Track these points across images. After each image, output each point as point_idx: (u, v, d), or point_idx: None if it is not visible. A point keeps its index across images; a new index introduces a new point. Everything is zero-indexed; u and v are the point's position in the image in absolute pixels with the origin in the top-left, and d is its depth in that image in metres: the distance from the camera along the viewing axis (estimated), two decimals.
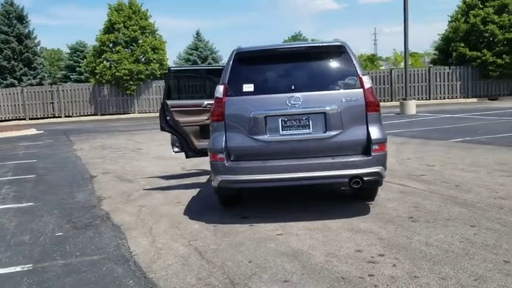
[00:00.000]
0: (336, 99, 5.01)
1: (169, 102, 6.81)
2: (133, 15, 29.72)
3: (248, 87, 5.09)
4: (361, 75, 5.07)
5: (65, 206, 6.46)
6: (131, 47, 29.71)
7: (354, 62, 5.16)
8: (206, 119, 6.87)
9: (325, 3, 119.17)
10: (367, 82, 5.05)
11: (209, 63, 36.21)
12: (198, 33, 38.25)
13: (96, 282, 3.80)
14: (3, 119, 28.26)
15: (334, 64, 5.30)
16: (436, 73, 29.65)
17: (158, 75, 29.90)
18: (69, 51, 38.77)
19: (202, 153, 7.02)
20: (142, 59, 29.85)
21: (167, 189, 7.23)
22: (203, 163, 9.15)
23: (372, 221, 4.98)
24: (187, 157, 7.33)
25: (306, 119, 4.99)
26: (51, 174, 9.18)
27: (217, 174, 5.09)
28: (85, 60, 32.77)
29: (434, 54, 34.87)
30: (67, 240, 4.95)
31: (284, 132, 5.01)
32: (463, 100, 28.90)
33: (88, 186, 7.89)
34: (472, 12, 28.84)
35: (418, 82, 29.45)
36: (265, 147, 5.04)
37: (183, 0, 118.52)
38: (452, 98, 29.38)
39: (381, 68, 48.52)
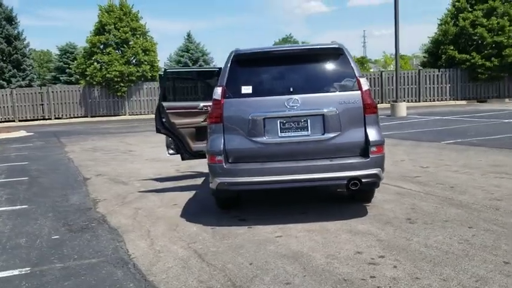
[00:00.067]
0: (334, 101, 5.02)
1: (165, 104, 6.78)
2: (124, 17, 29.62)
3: (246, 89, 5.09)
4: (358, 78, 5.10)
5: (59, 209, 6.40)
6: (122, 49, 29.60)
7: (352, 64, 5.18)
8: (202, 121, 6.86)
9: (314, 6, 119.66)
10: (364, 84, 5.07)
11: (200, 65, 36.17)
12: (189, 35, 38.21)
13: (97, 285, 3.76)
14: None
15: (332, 66, 5.31)
16: (426, 75, 29.95)
17: (149, 77, 29.80)
18: (59, 53, 38.51)
19: (198, 155, 7.01)
20: (133, 61, 29.74)
21: (162, 192, 7.19)
22: (198, 165, 9.14)
23: (370, 223, 5.00)
24: (183, 159, 7.30)
25: (304, 121, 5.00)
26: (44, 177, 9.09)
27: (216, 176, 5.08)
28: (75, 61, 32.58)
29: (424, 57, 35.19)
30: (64, 243, 4.90)
31: (283, 134, 5.01)
32: (452, 102, 29.20)
33: (82, 188, 7.82)
34: (461, 15, 29.19)
35: (408, 84, 29.71)
36: (263, 149, 5.04)
37: (173, 2, 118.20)
38: (441, 100, 29.67)
39: (371, 70, 48.84)
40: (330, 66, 5.32)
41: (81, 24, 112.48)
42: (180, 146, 6.95)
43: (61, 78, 37.15)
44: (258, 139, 5.01)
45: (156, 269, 4.04)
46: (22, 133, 20.35)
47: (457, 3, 30.09)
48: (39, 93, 28.98)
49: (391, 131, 14.04)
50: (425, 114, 20.38)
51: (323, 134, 4.99)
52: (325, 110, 4.98)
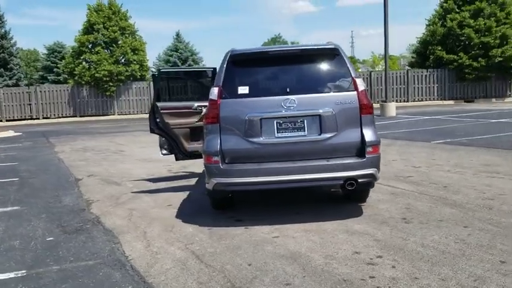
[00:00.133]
0: (330, 101, 5.04)
1: (159, 104, 6.75)
2: (113, 16, 29.42)
3: (243, 90, 5.09)
4: (355, 78, 5.12)
5: (52, 210, 6.34)
6: (111, 48, 29.40)
7: (348, 65, 5.20)
8: (196, 121, 6.85)
9: (302, 6, 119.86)
10: (360, 84, 5.10)
11: (189, 65, 36.08)
12: (178, 35, 38.07)
13: None
14: None
15: (328, 67, 5.33)
16: (414, 76, 30.18)
17: (138, 77, 29.64)
18: (47, 52, 38.09)
19: (192, 155, 6.99)
20: (122, 60, 29.54)
21: (156, 192, 7.15)
22: (190, 165, 9.12)
23: (366, 223, 5.03)
24: (177, 159, 7.28)
25: (301, 121, 5.01)
26: (35, 177, 8.99)
27: (212, 176, 5.07)
28: (63, 61, 32.26)
29: (412, 57, 35.46)
30: (59, 245, 4.85)
31: (279, 135, 5.02)
32: (440, 102, 29.47)
33: (74, 189, 7.75)
34: (449, 16, 29.47)
35: (396, 84, 29.91)
36: (260, 149, 5.03)
37: (161, 1, 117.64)
38: (429, 100, 29.93)
39: (359, 70, 49.08)
40: (326, 66, 5.34)
41: (69, 24, 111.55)
42: (174, 146, 6.93)
43: (49, 77, 36.77)
44: (255, 139, 5.01)
45: (155, 270, 4.02)
46: (10, 133, 20.10)
47: (444, 4, 30.39)
48: (27, 92, 28.67)
49: (381, 131, 14.11)
50: (414, 114, 20.55)
51: (320, 135, 5.00)
52: (321, 111, 4.99)
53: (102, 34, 29.03)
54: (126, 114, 29.18)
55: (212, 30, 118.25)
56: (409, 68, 34.83)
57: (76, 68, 28.62)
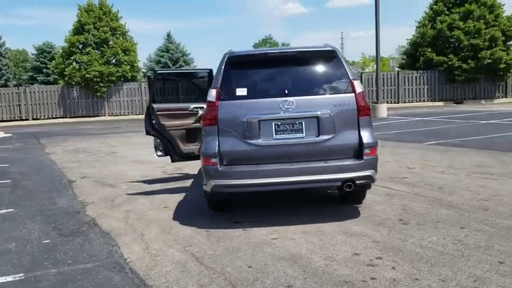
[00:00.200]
0: (328, 103, 5.06)
1: (155, 105, 6.72)
2: (104, 16, 29.20)
3: (241, 91, 5.09)
4: (352, 80, 5.15)
5: (47, 212, 6.28)
6: (101, 49, 29.17)
7: (345, 67, 5.23)
8: (192, 123, 6.84)
9: (292, 8, 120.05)
10: (358, 87, 5.13)
11: (180, 66, 35.95)
12: (169, 35, 37.86)
13: None
14: None
15: (326, 69, 5.35)
16: (404, 77, 30.35)
17: (129, 77, 29.47)
18: (36, 52, 37.69)
19: (188, 157, 6.98)
20: (113, 61, 29.34)
21: (152, 194, 7.13)
22: (185, 167, 9.11)
23: (363, 224, 5.05)
24: (172, 161, 7.26)
25: (299, 123, 5.02)
26: (27, 179, 8.90)
27: (210, 178, 5.06)
28: (53, 61, 31.95)
29: (403, 58, 35.68)
30: (56, 247, 4.81)
31: (277, 137, 5.03)
32: (430, 103, 29.67)
33: (68, 191, 7.69)
34: (438, 18, 29.69)
35: (387, 86, 30.05)
36: (258, 151, 5.04)
37: (152, 2, 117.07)
38: (420, 102, 30.12)
39: None
40: (324, 68, 5.36)
41: (58, 24, 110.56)
42: (170, 148, 6.90)
43: (38, 78, 36.34)
44: (253, 141, 5.01)
45: (155, 273, 4.00)
46: (0, 134, 19.88)
47: (434, 6, 30.62)
48: (16, 93, 28.37)
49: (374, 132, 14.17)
50: (405, 115, 20.69)
51: (318, 136, 5.02)
52: (319, 113, 5.01)
53: (92, 34, 28.81)
54: (117, 115, 28.99)
55: (203, 31, 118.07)
56: (399, 69, 35.07)
57: (66, 69, 28.36)
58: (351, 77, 5.16)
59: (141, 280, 3.87)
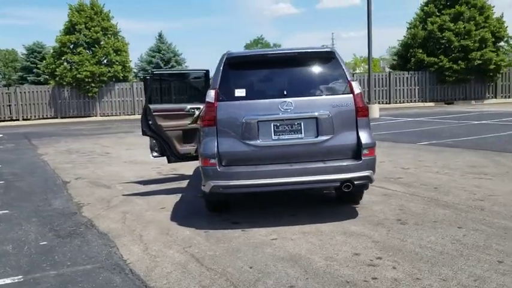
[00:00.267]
0: (327, 104, 5.08)
1: (151, 106, 6.70)
2: (95, 16, 29.05)
3: (240, 92, 5.09)
4: (350, 81, 5.17)
5: (43, 214, 6.23)
6: (93, 49, 29.02)
7: (343, 68, 5.26)
8: (189, 123, 6.83)
9: (283, 8, 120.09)
10: (356, 88, 5.15)
11: (172, 66, 35.87)
12: (160, 35, 37.77)
13: None
14: None
15: (324, 70, 5.37)
16: (396, 78, 30.55)
17: (121, 78, 29.33)
18: (26, 52, 37.38)
19: (185, 158, 6.96)
20: (105, 61, 29.19)
21: (148, 195, 7.10)
22: (180, 168, 9.09)
23: (362, 224, 5.08)
24: (169, 162, 7.23)
25: (298, 124, 5.03)
26: (21, 180, 8.82)
27: (209, 179, 5.05)
28: (44, 61, 31.70)
29: (394, 59, 35.91)
30: (54, 249, 4.78)
31: (276, 137, 5.03)
32: (421, 104, 29.89)
33: (63, 192, 7.64)
34: (429, 19, 29.94)
35: (379, 87, 30.23)
36: (257, 152, 5.04)
37: (143, 2, 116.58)
38: (411, 102, 30.33)
39: None
40: (322, 69, 5.38)
41: (49, 24, 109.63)
42: (166, 148, 6.88)
43: (28, 78, 36.08)
44: (252, 142, 5.02)
45: (155, 274, 3.99)
46: None
47: (425, 8, 30.87)
48: (6, 93, 28.10)
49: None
50: (397, 116, 20.81)
51: (316, 137, 5.04)
52: (318, 113, 5.03)
53: (84, 34, 28.65)
54: (108, 115, 28.85)
55: (194, 31, 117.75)
56: (390, 70, 35.29)
57: (57, 69, 28.17)
58: (349, 78, 5.19)
59: (142, 281, 3.85)
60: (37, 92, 28.48)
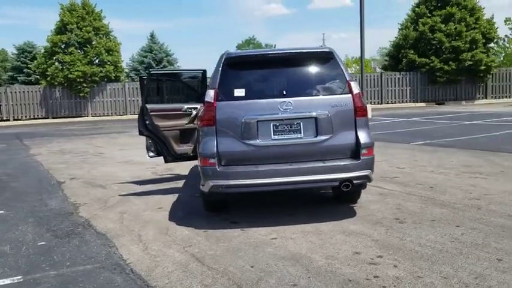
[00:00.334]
0: (326, 104, 5.10)
1: (148, 106, 6.68)
2: (87, 16, 28.90)
3: (239, 92, 5.09)
4: (349, 81, 5.20)
5: (39, 214, 6.19)
6: (84, 49, 28.85)
7: (342, 68, 5.28)
8: (186, 123, 6.82)
9: (274, 8, 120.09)
10: (355, 88, 5.18)
11: (164, 66, 35.75)
12: (152, 35, 37.63)
13: None
14: None
15: (323, 70, 5.39)
16: (387, 78, 30.74)
17: (113, 78, 29.19)
18: (16, 52, 37.05)
19: (182, 158, 6.95)
20: (96, 61, 29.03)
21: (144, 195, 7.07)
22: (175, 167, 9.07)
23: (360, 223, 5.10)
24: (166, 162, 7.21)
25: (297, 123, 5.05)
26: (15, 181, 8.75)
27: (208, 179, 5.05)
28: (35, 61, 31.45)
29: (386, 60, 36.11)
30: (52, 249, 4.75)
31: (276, 137, 5.05)
32: (412, 104, 30.10)
33: (58, 192, 7.59)
34: (421, 20, 30.16)
35: (371, 87, 30.39)
36: (257, 151, 5.05)
37: (135, 1, 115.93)
38: (402, 103, 30.53)
39: None
40: (321, 69, 5.40)
41: (39, 23, 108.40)
42: (163, 148, 6.86)
43: (19, 78, 35.77)
44: (251, 142, 5.02)
45: (156, 274, 3.98)
46: None
47: (416, 9, 31.10)
48: None
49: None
50: (389, 116, 20.93)
51: (316, 137, 5.06)
52: (317, 113, 5.04)
53: (75, 34, 28.47)
54: (100, 115, 28.70)
55: (185, 31, 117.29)
56: (381, 70, 35.47)
57: (48, 69, 27.98)
58: (347, 78, 5.21)
59: (144, 281, 3.84)
60: (28, 92, 28.26)
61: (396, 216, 5.31)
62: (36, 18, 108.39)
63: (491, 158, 8.98)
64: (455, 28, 29.17)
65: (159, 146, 6.88)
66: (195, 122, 6.45)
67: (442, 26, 29.41)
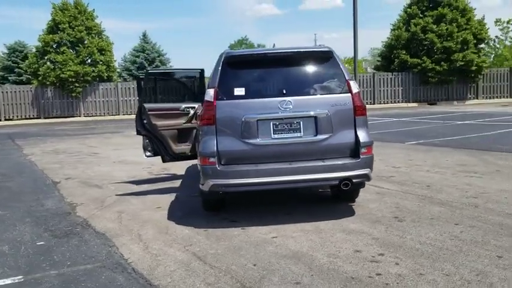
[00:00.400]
0: (325, 103, 5.12)
1: (146, 105, 6.66)
2: (79, 15, 28.66)
3: (239, 91, 5.10)
4: (348, 80, 5.23)
5: (36, 214, 6.15)
6: (77, 48, 28.63)
7: (341, 67, 5.31)
8: (184, 123, 6.81)
9: (266, 9, 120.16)
10: (354, 87, 5.21)
11: (156, 66, 35.60)
12: (144, 35, 37.44)
13: None
14: None
15: (323, 69, 5.41)
16: (380, 79, 30.84)
17: (105, 78, 29.02)
18: (7, 51, 36.68)
19: (180, 157, 6.94)
20: (89, 61, 28.84)
21: (142, 195, 7.05)
22: (172, 167, 9.05)
23: (360, 222, 5.13)
24: (164, 161, 7.20)
25: (297, 122, 5.06)
26: (10, 181, 8.68)
27: (208, 178, 5.05)
28: (26, 61, 31.17)
29: (378, 60, 36.27)
30: (51, 249, 4.72)
31: (276, 136, 5.06)
32: (404, 105, 30.24)
33: (54, 192, 7.54)
34: (412, 21, 30.30)
35: (363, 87, 30.45)
36: (256, 150, 5.06)
37: (127, 1, 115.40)
38: (394, 103, 30.66)
39: None
40: (320, 68, 5.42)
41: (31, 23, 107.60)
42: (161, 148, 6.85)
43: (9, 78, 35.40)
44: (251, 141, 5.03)
45: (159, 273, 3.97)
46: None
47: (408, 10, 31.24)
48: None
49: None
50: (382, 116, 21.03)
51: (315, 136, 5.08)
52: (317, 112, 5.07)
53: (67, 34, 28.25)
54: (92, 115, 28.51)
55: (177, 31, 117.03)
56: (373, 71, 35.63)
57: (40, 68, 27.73)
58: (347, 77, 5.24)
59: (146, 280, 3.83)
60: (19, 91, 28.00)
61: (395, 215, 5.34)
62: (27, 18, 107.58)
63: (485, 157, 9.06)
64: (447, 29, 29.35)
65: (157, 145, 6.87)
66: (194, 121, 6.45)
67: (434, 26, 29.57)
